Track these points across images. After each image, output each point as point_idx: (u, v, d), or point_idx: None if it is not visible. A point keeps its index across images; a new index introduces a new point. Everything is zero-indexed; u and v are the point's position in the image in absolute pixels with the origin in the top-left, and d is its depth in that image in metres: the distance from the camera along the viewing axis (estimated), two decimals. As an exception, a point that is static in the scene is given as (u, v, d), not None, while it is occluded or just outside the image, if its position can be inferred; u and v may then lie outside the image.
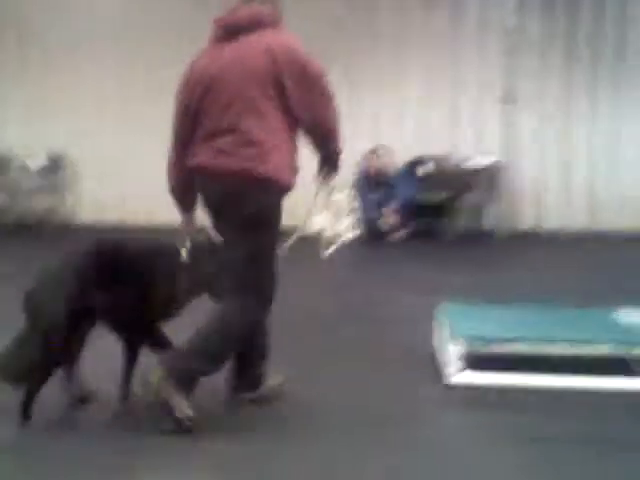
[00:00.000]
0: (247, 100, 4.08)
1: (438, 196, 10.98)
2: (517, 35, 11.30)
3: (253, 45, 4.11)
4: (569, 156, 11.48)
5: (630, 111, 11.37)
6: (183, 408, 3.98)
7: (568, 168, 11.47)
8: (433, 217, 10.90)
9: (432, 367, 5.02)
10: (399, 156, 11.01)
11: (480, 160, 11.01)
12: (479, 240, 10.75)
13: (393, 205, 10.58)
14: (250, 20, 4.15)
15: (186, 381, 4.03)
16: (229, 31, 4.18)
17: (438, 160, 11.09)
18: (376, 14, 11.50)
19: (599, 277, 8.11)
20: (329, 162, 4.36)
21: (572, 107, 11.44)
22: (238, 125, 4.09)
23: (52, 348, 4.05)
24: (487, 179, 11.06)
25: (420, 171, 11.01)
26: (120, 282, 4.19)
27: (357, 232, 10.63)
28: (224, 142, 4.11)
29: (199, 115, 4.19)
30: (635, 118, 11.38)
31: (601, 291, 7.22)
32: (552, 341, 4.85)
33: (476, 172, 10.99)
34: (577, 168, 11.49)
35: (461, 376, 4.77)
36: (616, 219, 11.27)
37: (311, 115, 4.12)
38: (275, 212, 4.20)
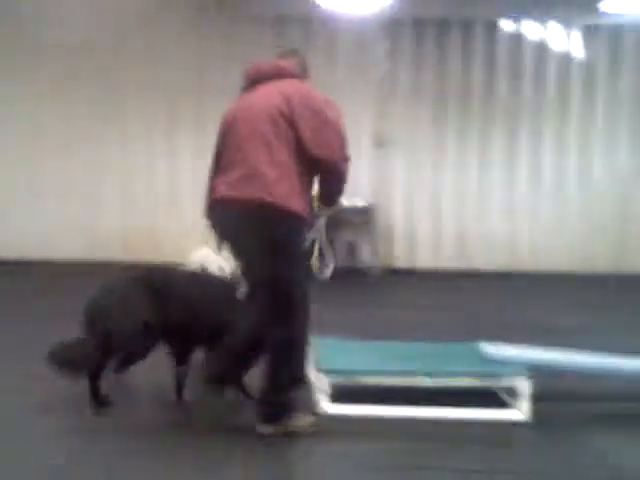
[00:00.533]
0: (259, 136, 4.44)
1: (311, 235, 11.15)
2: (389, 82, 11.66)
3: (270, 89, 4.55)
4: (439, 199, 11.85)
5: (497, 158, 11.82)
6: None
7: (439, 211, 11.85)
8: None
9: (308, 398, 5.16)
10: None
11: (353, 201, 11.29)
12: (353, 278, 10.99)
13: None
14: (272, 70, 4.64)
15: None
16: (252, 80, 4.69)
17: (313, 201, 11.32)
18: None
19: (463, 313, 8.42)
20: (329, 199, 4.72)
21: (442, 153, 11.82)
22: (247, 160, 4.43)
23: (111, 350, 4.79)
24: (361, 220, 11.34)
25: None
26: (172, 304, 4.83)
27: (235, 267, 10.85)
28: (233, 176, 4.46)
29: (221, 153, 4.61)
30: (501, 166, 11.84)
31: (468, 326, 7.51)
32: (413, 374, 5.06)
33: (350, 213, 11.27)
34: (447, 211, 11.86)
35: (329, 407, 4.91)
36: (484, 258, 11.67)
37: (324, 154, 4.45)
38: (289, 239, 4.46)
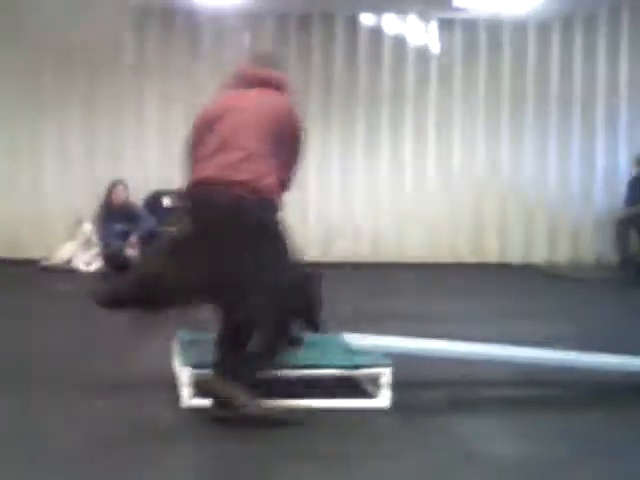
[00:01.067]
0: (257, 131, 4.74)
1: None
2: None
3: (268, 96, 4.92)
4: (304, 191, 11.94)
5: (359, 150, 12.02)
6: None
7: (304, 203, 11.94)
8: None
9: (174, 392, 5.16)
10: (143, 188, 11.17)
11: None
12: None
13: (135, 236, 10.71)
14: (268, 79, 4.98)
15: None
16: (249, 82, 5.01)
17: (177, 195, 11.27)
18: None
19: (330, 304, 8.52)
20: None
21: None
22: (246, 146, 4.72)
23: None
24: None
25: (165, 203, 11.24)
26: None
27: (99, 262, 10.76)
28: (233, 157, 4.71)
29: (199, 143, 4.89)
30: (363, 158, 12.08)
31: (335, 317, 7.60)
32: (280, 365, 5.11)
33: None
34: (312, 203, 12.01)
35: (192, 400, 4.93)
36: (349, 249, 11.84)
37: (288, 164, 4.89)
38: (274, 226, 4.77)
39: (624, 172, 12.20)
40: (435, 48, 12.11)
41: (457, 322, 7.75)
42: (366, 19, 12.03)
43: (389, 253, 11.92)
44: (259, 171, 4.68)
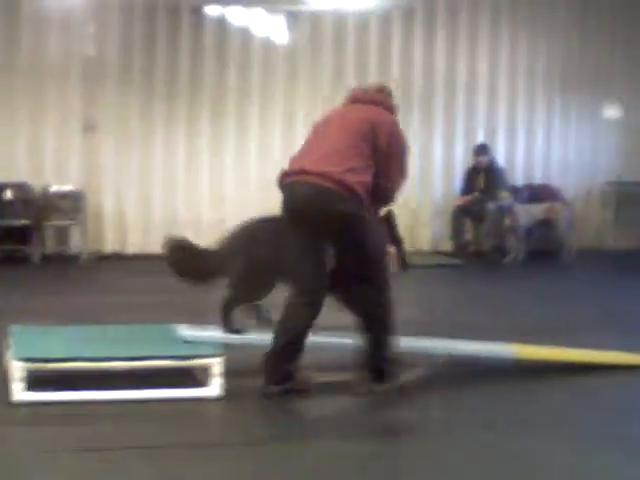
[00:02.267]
0: (348, 135, 5.32)
1: (19, 222, 11.09)
2: (97, 64, 11.66)
3: (367, 110, 5.46)
4: (148, 185, 12.01)
5: (205, 143, 12.10)
6: None
7: (148, 196, 12.00)
8: (17, 242, 11.02)
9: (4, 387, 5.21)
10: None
11: (62, 187, 11.26)
12: (65, 264, 10.98)
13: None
14: (373, 98, 5.56)
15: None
16: (356, 99, 5.60)
17: (18, 187, 11.21)
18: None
19: (173, 295, 8.63)
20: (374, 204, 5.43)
21: (151, 139, 11.96)
22: (334, 144, 5.30)
23: None
24: (70, 205, 11.32)
25: (7, 196, 11.12)
26: None
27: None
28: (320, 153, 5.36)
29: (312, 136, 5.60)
30: (209, 151, 12.13)
31: (176, 308, 7.73)
32: (110, 358, 5.26)
33: (58, 198, 11.23)
34: (156, 196, 12.03)
35: (24, 394, 5.02)
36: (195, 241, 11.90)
37: (384, 173, 5.31)
38: (351, 216, 5.24)
39: (460, 162, 12.71)
40: (281, 40, 12.29)
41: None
42: (212, 11, 12.12)
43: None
44: (342, 166, 5.19)
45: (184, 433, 4.74)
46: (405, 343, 6.00)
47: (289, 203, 5.39)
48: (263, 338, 5.83)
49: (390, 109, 5.58)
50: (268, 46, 12.25)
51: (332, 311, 5.50)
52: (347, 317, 5.52)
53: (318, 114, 11.76)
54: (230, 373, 5.33)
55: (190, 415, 5.05)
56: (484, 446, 4.52)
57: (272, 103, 12.28)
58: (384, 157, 5.32)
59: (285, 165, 5.52)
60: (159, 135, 12.00)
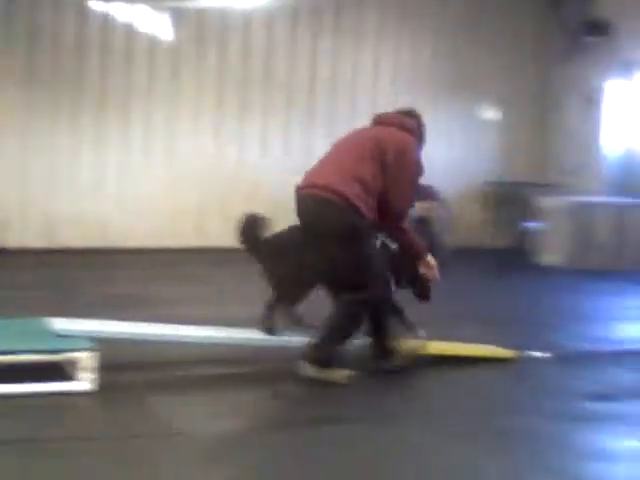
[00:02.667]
0: (358, 152, 5.76)
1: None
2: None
3: (379, 130, 5.96)
4: (27, 180, 11.85)
5: (87, 138, 11.99)
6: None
7: (27, 190, 11.83)
8: None
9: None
10: None
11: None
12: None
13: None
14: (391, 120, 6.01)
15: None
16: (377, 121, 6.14)
17: None
18: None
19: (53, 289, 8.62)
20: (388, 231, 5.92)
21: (32, 131, 11.80)
22: (341, 160, 5.78)
23: None
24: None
25: None
26: None
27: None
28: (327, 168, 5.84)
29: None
30: (90, 145, 12.00)
31: (55, 302, 7.70)
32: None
33: None
34: (36, 191, 11.86)
35: None
36: (75, 236, 11.83)
37: (392, 189, 5.65)
38: (350, 228, 5.63)
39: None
40: (166, 37, 12.28)
41: (180, 306, 8.01)
42: (96, 6, 12.04)
43: (115, 239, 11.98)
44: (342, 179, 5.58)
45: (52, 427, 4.76)
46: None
47: (298, 213, 5.86)
48: (140, 333, 5.93)
49: (408, 129, 5.93)
50: (153, 42, 12.22)
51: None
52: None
53: (201, 113, 12.25)
54: (104, 367, 5.35)
55: (60, 409, 5.06)
56: (349, 439, 4.64)
57: (156, 99, 12.25)
58: (394, 172, 5.66)
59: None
60: (41, 128, 11.85)
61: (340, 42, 12.95)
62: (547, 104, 13.68)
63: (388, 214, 5.74)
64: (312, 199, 5.69)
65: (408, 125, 5.97)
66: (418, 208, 12.02)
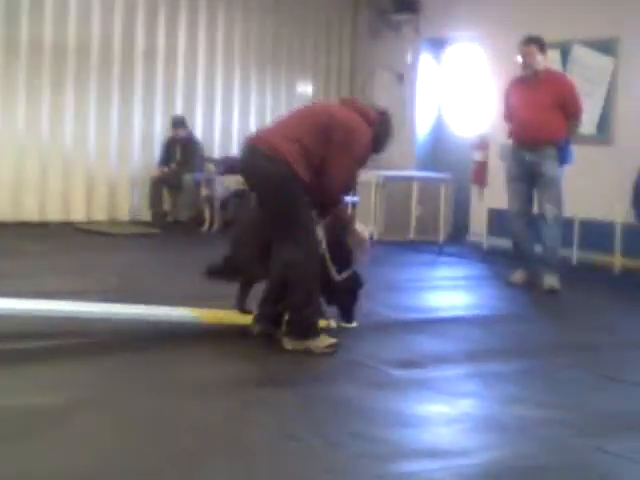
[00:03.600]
0: (309, 122, 5.86)
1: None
2: None
3: (339, 108, 6.09)
4: None
5: None
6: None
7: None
8: None
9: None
10: None
11: None
12: None
13: None
14: (354, 104, 6.16)
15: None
16: (341, 102, 6.51)
17: None
18: None
19: None
20: (322, 208, 5.96)
21: None
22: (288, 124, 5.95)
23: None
24: None
25: None
26: None
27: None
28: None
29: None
30: None
31: None
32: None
33: None
34: None
35: None
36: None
37: (332, 166, 5.72)
38: (281, 182, 5.70)
39: (160, 134, 12.83)
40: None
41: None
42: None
43: None
44: (281, 135, 5.74)
45: None
46: (90, 308, 6.15)
47: (239, 164, 6.07)
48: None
49: (368, 119, 5.98)
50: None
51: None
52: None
53: (15, 82, 11.88)
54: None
55: None
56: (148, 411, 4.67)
57: None
58: (335, 151, 5.71)
59: None
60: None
61: (155, 15, 12.89)
62: (358, 80, 14.02)
63: (325, 194, 5.83)
64: (249, 150, 5.90)
65: (369, 115, 6.03)
66: (235, 181, 12.14)
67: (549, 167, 8.51)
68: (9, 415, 4.52)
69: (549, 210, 8.55)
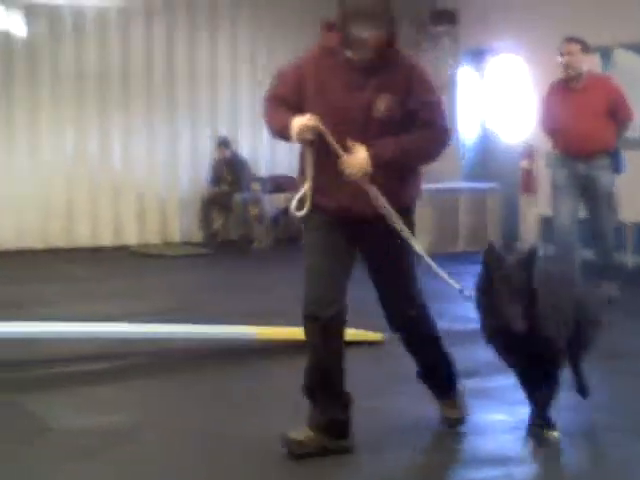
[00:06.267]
0: None
1: None
2: None
3: None
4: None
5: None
6: None
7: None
8: None
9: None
10: None
11: None
12: None
13: None
14: None
15: None
16: None
17: None
18: None
19: None
20: None
21: None
22: None
23: None
24: None
25: None
26: None
27: None
28: None
29: None
30: None
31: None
32: None
33: None
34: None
35: None
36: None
37: None
38: None
39: (206, 154, 12.96)
40: (20, 34, 12.09)
41: (50, 306, 7.95)
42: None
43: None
44: None
45: None
46: (155, 329, 6.26)
47: None
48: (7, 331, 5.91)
49: None
50: (6, 40, 12.02)
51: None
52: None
53: (60, 109, 12.11)
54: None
55: None
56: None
57: (13, 99, 12.08)
58: None
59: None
60: None
61: (196, 38, 13.01)
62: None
63: None
64: None
65: None
66: (284, 199, 12.22)
67: (605, 179, 8.16)
68: (80, 434, 4.64)
69: (606, 221, 8.25)
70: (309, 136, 4.24)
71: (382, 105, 4.23)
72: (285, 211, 12.14)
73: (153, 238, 12.75)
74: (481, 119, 13.39)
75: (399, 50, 4.46)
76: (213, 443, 4.49)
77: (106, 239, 12.46)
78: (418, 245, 4.49)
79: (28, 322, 6.25)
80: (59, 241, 12.17)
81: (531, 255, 4.23)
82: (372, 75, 4.29)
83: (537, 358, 4.38)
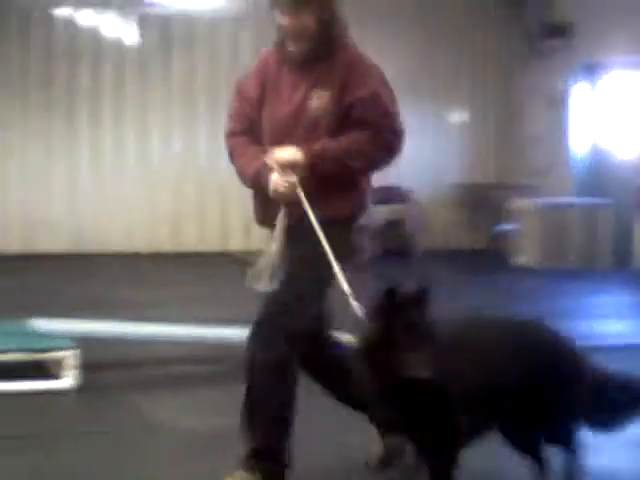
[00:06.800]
0: None
1: None
2: None
3: None
4: (5, 184, 11.91)
5: (57, 143, 12.10)
6: None
7: (3, 195, 11.90)
8: None
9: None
10: None
11: None
12: None
13: None
14: None
15: None
16: None
17: None
18: None
19: (28, 293, 8.59)
20: None
21: (4, 139, 11.89)
22: None
23: None
24: None
25: None
26: None
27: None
28: None
29: None
30: (62, 150, 12.15)
31: (34, 304, 7.67)
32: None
33: None
34: (12, 195, 11.93)
35: None
36: (49, 241, 11.87)
37: None
38: None
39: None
40: (133, 43, 12.31)
41: (158, 308, 8.04)
42: (62, 13, 12.05)
43: (89, 244, 11.97)
44: None
45: (36, 424, 4.80)
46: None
47: None
48: (122, 331, 5.96)
49: None
50: (120, 48, 12.23)
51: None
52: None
53: (169, 115, 12.26)
54: (87, 366, 5.38)
55: (45, 407, 5.09)
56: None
57: (124, 104, 12.28)
58: None
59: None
60: (12, 133, 11.85)
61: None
62: (512, 107, 13.81)
63: None
64: None
65: None
66: (389, 211, 12.15)
67: None
68: (185, 434, 4.63)
69: None
70: (288, 198, 3.73)
71: (316, 102, 3.76)
72: (388, 223, 12.07)
73: (257, 245, 12.70)
74: (594, 135, 13.08)
75: (340, 40, 3.89)
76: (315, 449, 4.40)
77: (212, 245, 12.51)
78: (334, 260, 3.75)
79: (145, 323, 6.28)
80: (166, 246, 12.27)
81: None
82: (309, 70, 3.82)
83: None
